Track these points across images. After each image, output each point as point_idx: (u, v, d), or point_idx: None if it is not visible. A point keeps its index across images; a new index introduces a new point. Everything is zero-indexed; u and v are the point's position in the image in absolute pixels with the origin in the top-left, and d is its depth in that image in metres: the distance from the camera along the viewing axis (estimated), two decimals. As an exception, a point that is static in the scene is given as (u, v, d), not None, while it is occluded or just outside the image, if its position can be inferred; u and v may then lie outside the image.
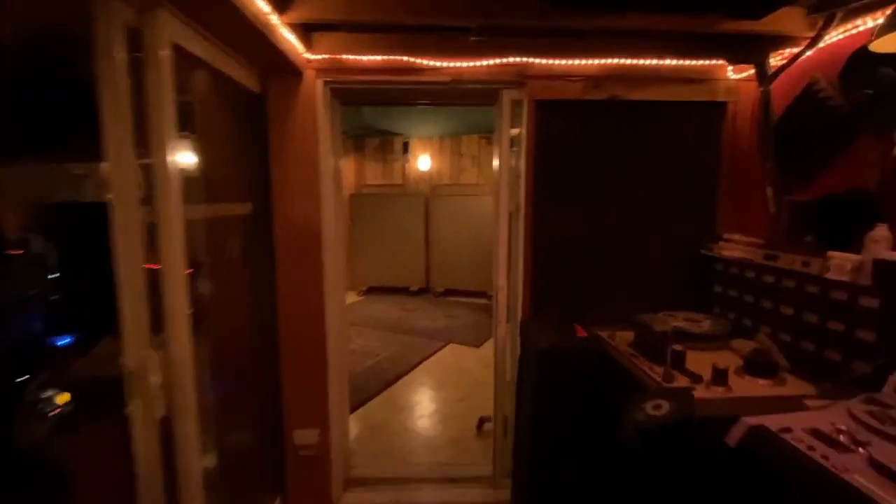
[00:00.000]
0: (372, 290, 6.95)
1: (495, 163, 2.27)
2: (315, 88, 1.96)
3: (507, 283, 2.19)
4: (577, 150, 2.03)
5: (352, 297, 6.64)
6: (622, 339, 1.80)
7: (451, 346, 4.51)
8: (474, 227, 6.48)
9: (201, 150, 1.80)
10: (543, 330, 1.90)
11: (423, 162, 6.78)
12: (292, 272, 2.02)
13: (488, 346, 4.48)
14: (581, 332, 1.87)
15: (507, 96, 2.07)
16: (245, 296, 1.99)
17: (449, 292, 6.75)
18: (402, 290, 6.82)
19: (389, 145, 6.94)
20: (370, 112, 5.39)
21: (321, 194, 2.02)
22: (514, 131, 2.19)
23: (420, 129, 6.30)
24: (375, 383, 3.60)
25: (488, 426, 2.92)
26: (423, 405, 3.30)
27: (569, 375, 1.74)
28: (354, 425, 2.99)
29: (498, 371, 2.32)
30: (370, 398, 3.38)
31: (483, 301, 6.40)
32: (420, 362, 4.07)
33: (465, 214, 6.51)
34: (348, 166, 7.01)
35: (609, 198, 2.04)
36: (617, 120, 2.01)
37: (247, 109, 1.93)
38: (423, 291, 6.84)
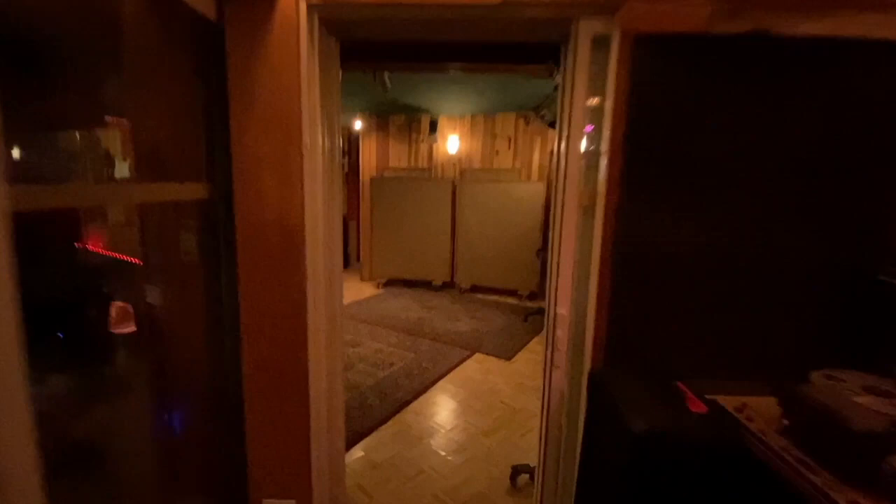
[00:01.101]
0: (391, 283, 6.39)
1: (563, 135, 1.59)
2: (297, 14, 1.32)
3: (571, 309, 1.52)
4: (694, 118, 1.32)
5: (369, 290, 6.09)
6: (763, 414, 1.13)
7: (477, 357, 3.89)
8: (507, 218, 5.78)
9: (132, 102, 1.20)
10: (632, 391, 1.24)
11: (452, 143, 6.10)
12: (260, 284, 1.42)
13: (521, 360, 3.84)
14: (695, 402, 1.20)
15: (586, 29, 1.38)
16: (197, 313, 1.40)
17: (476, 289, 6.11)
18: (425, 285, 6.23)
19: (416, 124, 6.28)
20: (395, 85, 4.73)
21: (305, 176, 1.40)
22: (592, 101, 1.49)
23: (449, 105, 5.60)
24: (387, 403, 3.03)
25: (523, 479, 2.29)
26: (443, 438, 2.70)
27: (684, 480, 1.07)
28: (357, 463, 2.41)
29: (549, 425, 1.68)
30: (379, 423, 2.80)
31: (513, 301, 5.73)
32: (441, 377, 3.47)
33: (497, 203, 5.81)
34: (370, 146, 6.40)
35: (736, 192, 1.33)
36: (761, 72, 1.29)
37: (198, 43, 1.32)
38: (447, 287, 6.23)
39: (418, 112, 6.03)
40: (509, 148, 5.98)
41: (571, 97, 1.45)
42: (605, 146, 1.36)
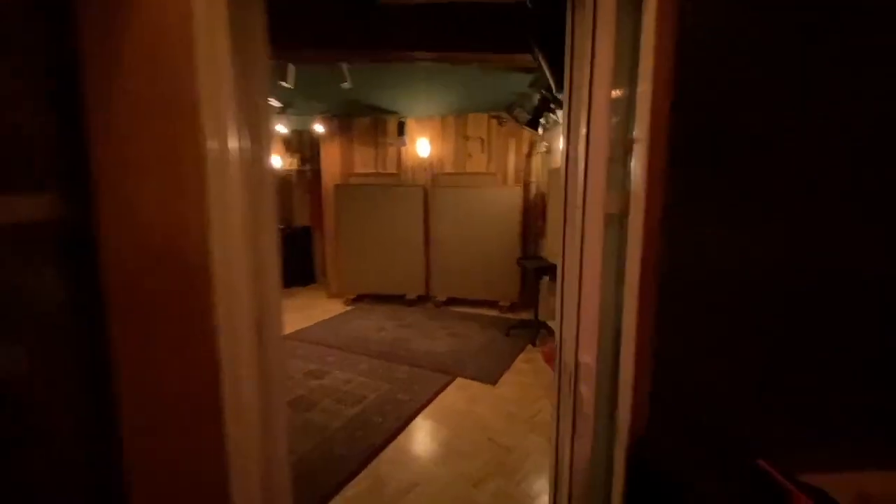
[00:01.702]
0: (361, 299, 5.89)
1: (575, 119, 1.20)
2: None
3: (598, 356, 1.12)
4: (789, 73, 0.94)
5: (337, 308, 5.58)
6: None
7: (459, 383, 3.46)
8: (484, 226, 5.41)
9: None
10: (705, 484, 0.85)
11: (423, 146, 5.69)
12: (144, 352, 0.94)
13: (507, 384, 3.44)
14: (795, 495, 0.82)
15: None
16: (40, 407, 0.91)
17: (453, 301, 5.70)
18: (398, 300, 5.76)
19: (382, 126, 5.84)
20: (358, 83, 4.29)
21: (209, 189, 0.94)
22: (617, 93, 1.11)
23: (418, 106, 5.20)
24: (358, 450, 2.56)
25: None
26: (425, 496, 2.26)
27: None
28: (319, 539, 1.94)
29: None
30: (348, 479, 2.33)
31: (494, 313, 5.35)
32: (419, 410, 3.03)
33: (472, 210, 5.43)
34: (332, 151, 5.91)
35: (839, 194, 0.96)
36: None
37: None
38: (423, 300, 5.78)
39: (384, 113, 5.59)
40: (483, 150, 5.62)
41: (592, 51, 1.06)
42: (640, 129, 0.97)
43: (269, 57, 1.22)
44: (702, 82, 0.92)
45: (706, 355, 0.99)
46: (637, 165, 0.98)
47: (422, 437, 2.76)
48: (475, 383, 3.45)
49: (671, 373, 0.99)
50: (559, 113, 4.21)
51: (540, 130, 4.22)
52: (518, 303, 5.46)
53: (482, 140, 5.59)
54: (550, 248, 4.62)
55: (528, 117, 4.19)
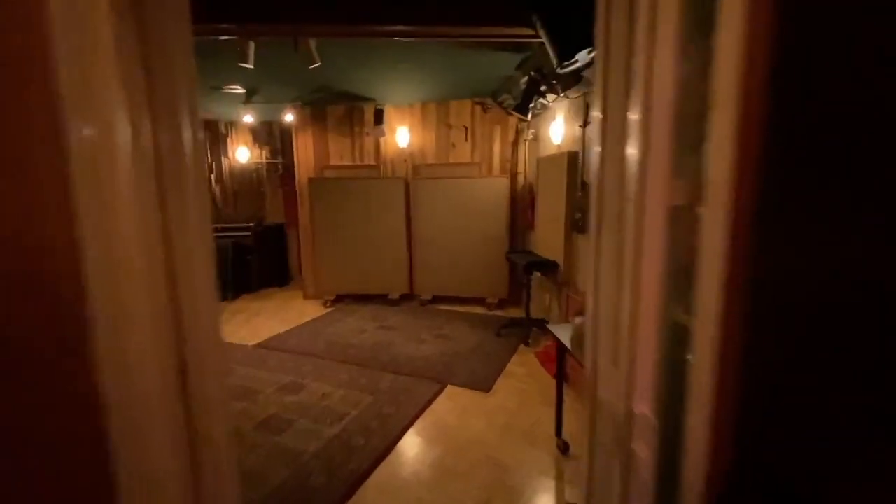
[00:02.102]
0: (341, 300, 5.54)
1: (608, 71, 0.92)
2: None
3: (652, 402, 0.84)
4: None
5: (314, 310, 5.22)
6: None
7: (449, 392, 3.19)
8: (469, 219, 5.12)
9: None
10: None
11: (402, 135, 5.34)
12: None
13: (502, 390, 3.18)
14: None
15: None
16: None
17: (439, 299, 5.41)
18: (380, 299, 5.44)
19: (358, 114, 5.46)
20: (330, 67, 3.91)
21: (76, 187, 0.61)
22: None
23: (396, 92, 4.84)
24: (338, 478, 2.25)
25: None
26: (417, 528, 1.98)
27: None
28: None
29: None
30: (328, 515, 2.03)
31: (482, 310, 5.08)
32: (408, 426, 2.74)
33: (456, 202, 5.13)
34: (305, 142, 5.50)
35: None
36: None
37: None
38: (407, 299, 5.47)
39: (361, 100, 5.22)
40: (466, 139, 5.31)
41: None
42: (725, 92, 0.69)
43: (189, 18, 0.88)
44: (816, 31, 0.64)
45: (818, 402, 0.72)
46: (720, 143, 0.70)
47: (411, 458, 2.47)
48: (467, 391, 3.18)
49: (763, 428, 0.72)
50: (549, 97, 3.94)
51: (529, 116, 3.93)
52: (507, 299, 5.21)
53: (466, 128, 5.28)
54: (541, 242, 4.37)
55: (515, 103, 3.89)
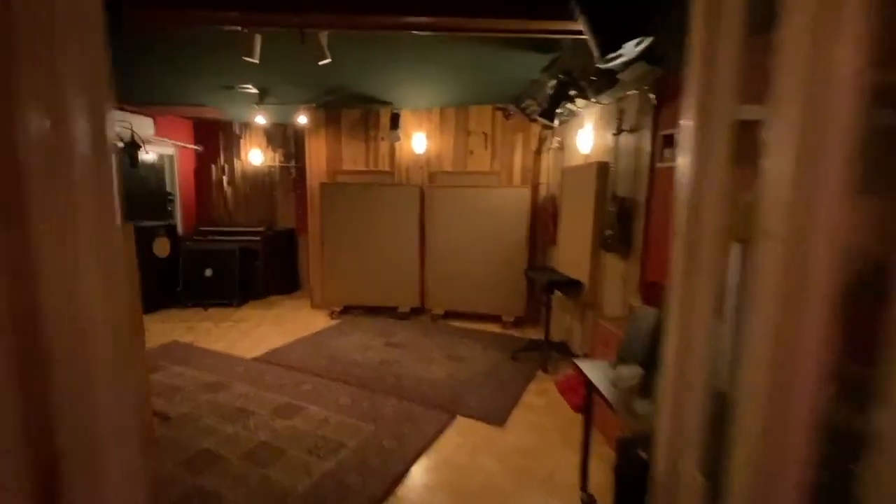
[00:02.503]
0: (349, 311, 5.28)
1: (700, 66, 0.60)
2: None
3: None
4: None
5: (321, 321, 4.97)
6: None
7: (459, 423, 2.87)
8: (487, 231, 4.82)
9: None
10: None
11: (419, 141, 5.10)
12: None
13: (518, 425, 2.85)
14: None
15: None
16: None
17: (451, 315, 5.10)
18: (389, 312, 5.16)
19: (374, 118, 5.24)
20: (344, 66, 3.70)
21: None
22: None
23: (414, 95, 4.61)
24: (327, 527, 1.95)
25: None
26: None
27: None
28: None
29: None
30: (311, 577, 1.73)
31: (496, 328, 4.76)
32: (410, 464, 2.43)
33: (474, 213, 4.84)
34: (318, 146, 5.30)
35: None
36: None
37: None
38: (417, 313, 5.18)
39: (376, 104, 4.99)
40: (486, 147, 5.03)
41: None
42: None
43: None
44: None
45: None
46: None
47: (412, 504, 2.16)
48: (479, 424, 2.86)
49: None
50: (578, 103, 3.63)
51: (556, 123, 3.63)
52: (524, 318, 4.88)
53: (485, 135, 5.00)
54: (563, 259, 4.04)
55: (541, 109, 3.59)
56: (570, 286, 3.67)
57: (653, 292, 2.57)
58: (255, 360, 3.87)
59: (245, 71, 3.71)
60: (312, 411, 2.95)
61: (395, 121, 4.90)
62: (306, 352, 4.04)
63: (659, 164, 2.44)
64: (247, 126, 6.24)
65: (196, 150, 6.30)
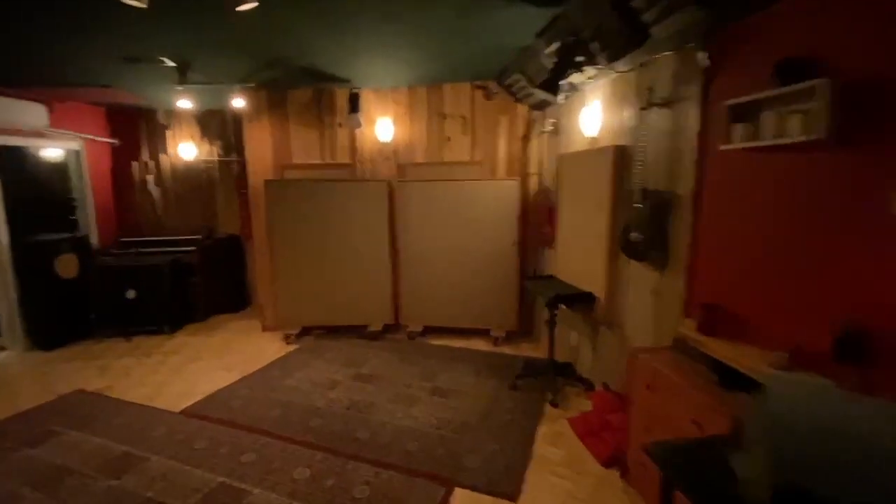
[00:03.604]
0: (308, 332, 4.43)
1: None
2: None
3: None
4: None
5: (273, 348, 4.10)
6: None
7: (458, 499, 2.14)
8: (468, 232, 4.10)
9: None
10: None
11: (384, 128, 4.27)
12: None
13: (535, 491, 2.14)
14: None
15: None
16: None
17: (430, 331, 4.36)
18: (357, 331, 4.35)
19: (328, 99, 4.36)
20: (292, 34, 2.83)
21: None
22: None
23: (377, 71, 3.78)
24: None
25: None
26: None
27: None
28: None
29: None
30: None
31: (486, 346, 4.05)
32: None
33: (452, 211, 4.10)
34: (260, 135, 4.37)
35: None
36: None
37: None
38: (390, 331, 4.41)
39: (331, 82, 4.12)
40: (465, 132, 4.27)
41: None
42: None
43: None
44: None
45: None
46: None
47: None
48: (485, 500, 2.14)
49: None
50: (581, 75, 2.92)
51: (560, 99, 2.93)
52: (516, 331, 4.21)
53: (464, 119, 4.24)
54: (566, 265, 3.36)
55: (540, 80, 2.87)
56: (580, 301, 3.00)
57: (712, 319, 1.92)
58: (185, 413, 2.98)
59: (148, 33, 2.77)
60: (257, 499, 2.13)
61: (354, 102, 4.05)
62: (253, 396, 3.19)
63: (723, 147, 1.78)
64: (174, 114, 5.19)
65: (111, 143, 5.19)
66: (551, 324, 3.15)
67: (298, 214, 4.18)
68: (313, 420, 2.84)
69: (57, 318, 4.25)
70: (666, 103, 2.29)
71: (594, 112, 2.98)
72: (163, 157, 5.28)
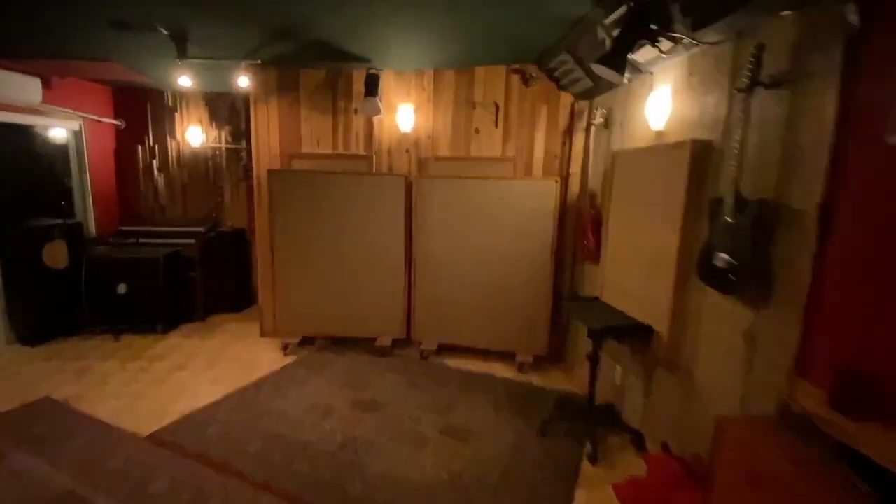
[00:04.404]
0: (310, 342, 3.96)
1: None
2: None
3: None
4: None
5: (270, 358, 3.64)
6: None
7: None
8: (495, 237, 3.54)
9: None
10: None
11: (405, 116, 3.76)
12: None
13: None
14: None
15: None
16: None
17: (446, 349, 3.82)
18: (364, 344, 3.86)
19: (345, 82, 3.88)
20: (306, 4, 2.35)
21: None
22: None
23: (399, 51, 3.27)
24: None
25: None
26: None
27: None
28: None
29: None
30: None
31: (509, 372, 3.48)
32: None
33: (478, 213, 3.55)
34: (266, 119, 3.92)
35: None
36: None
37: None
38: (402, 346, 3.89)
39: (347, 61, 3.63)
40: (497, 124, 3.71)
41: None
42: None
43: None
44: None
45: None
46: None
47: None
48: None
49: None
50: (647, 54, 2.31)
51: (625, 79, 2.34)
52: (544, 356, 3.62)
53: (496, 108, 3.68)
54: (615, 287, 2.77)
55: (599, 56, 2.27)
56: (635, 334, 2.41)
57: (854, 390, 1.31)
58: (153, 439, 2.53)
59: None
60: (206, 581, 1.64)
61: (372, 85, 3.55)
62: (234, 421, 2.72)
63: (894, 139, 1.18)
64: (183, 96, 4.82)
65: (115, 125, 4.86)
66: (593, 359, 2.56)
67: (304, 210, 3.70)
68: (298, 462, 2.34)
69: (43, 312, 3.91)
70: (778, 82, 1.68)
71: (663, 99, 2.38)
72: (169, 142, 4.91)
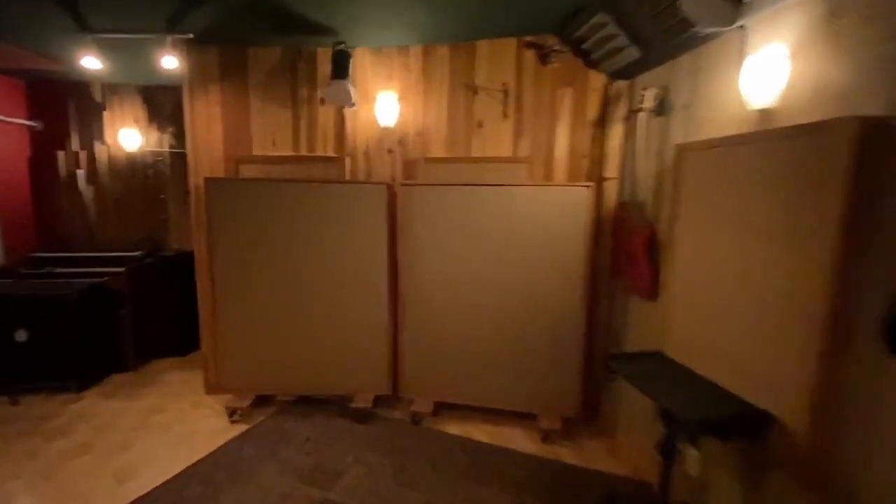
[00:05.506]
0: (266, 402, 3.03)
1: None
2: None
3: None
4: None
5: (212, 426, 2.72)
6: None
7: None
8: (508, 263, 2.68)
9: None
10: None
11: (386, 105, 2.90)
12: None
13: None
14: None
15: None
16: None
17: (444, 409, 2.93)
18: (337, 403, 2.95)
19: (307, 63, 3.01)
20: None
21: None
22: None
23: (377, 21, 2.43)
24: None
25: None
26: None
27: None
28: None
29: None
30: None
31: (530, 443, 2.60)
32: None
33: (483, 231, 2.69)
34: (206, 113, 3.03)
35: None
36: None
37: None
38: (386, 406, 2.99)
39: (310, 35, 2.77)
40: (506, 115, 2.87)
41: None
42: None
43: None
44: None
45: None
46: None
47: None
48: None
49: None
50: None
51: (739, 20, 1.51)
52: (573, 418, 2.75)
53: (505, 93, 2.84)
54: (682, 335, 1.91)
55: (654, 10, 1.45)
56: (741, 425, 1.55)
57: None
58: None
59: None
60: None
61: (341, 65, 2.69)
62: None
63: None
64: (114, 91, 3.92)
65: (30, 126, 3.93)
66: (669, 456, 1.69)
67: (255, 229, 2.82)
68: None
69: None
70: None
71: (774, 62, 1.56)
72: (98, 147, 3.99)
